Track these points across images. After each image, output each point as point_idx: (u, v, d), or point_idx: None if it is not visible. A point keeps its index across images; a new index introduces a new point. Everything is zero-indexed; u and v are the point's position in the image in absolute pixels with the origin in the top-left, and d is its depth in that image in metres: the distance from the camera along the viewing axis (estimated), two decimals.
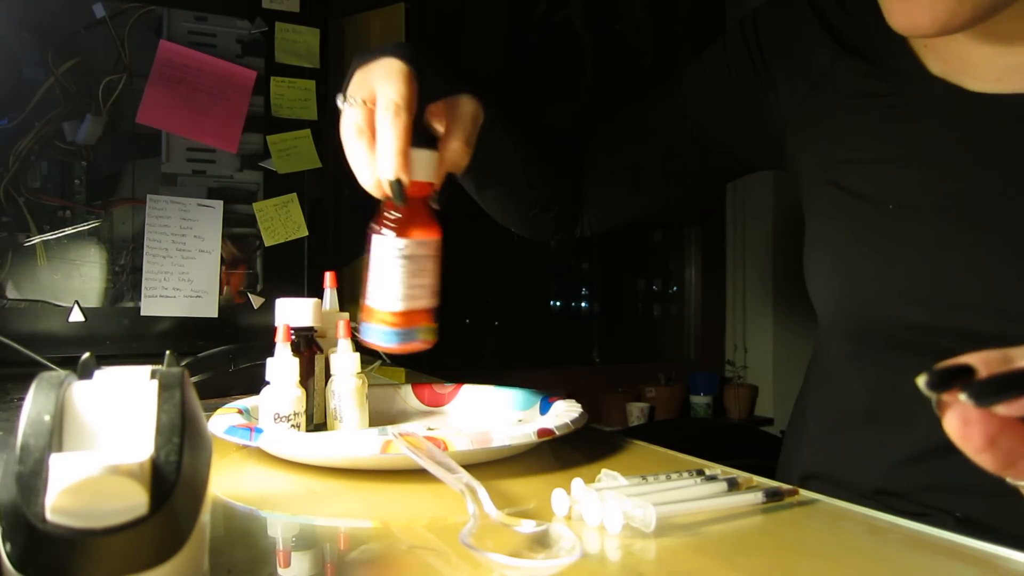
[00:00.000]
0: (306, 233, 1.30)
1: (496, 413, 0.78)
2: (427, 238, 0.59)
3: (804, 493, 0.53)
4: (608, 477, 0.52)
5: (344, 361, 0.69)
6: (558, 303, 2.92)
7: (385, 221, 0.58)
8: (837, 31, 0.74)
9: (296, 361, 0.66)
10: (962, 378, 0.38)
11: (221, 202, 1.23)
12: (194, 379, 0.71)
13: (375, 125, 0.57)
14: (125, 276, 1.19)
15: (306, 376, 0.68)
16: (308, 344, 0.69)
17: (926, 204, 0.65)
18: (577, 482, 0.50)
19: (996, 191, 0.63)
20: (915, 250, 0.65)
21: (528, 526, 0.44)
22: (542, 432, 0.60)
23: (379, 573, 0.41)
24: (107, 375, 0.38)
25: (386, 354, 0.68)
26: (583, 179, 0.85)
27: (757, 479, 0.55)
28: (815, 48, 0.74)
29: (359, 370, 0.69)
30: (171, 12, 1.21)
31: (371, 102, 0.58)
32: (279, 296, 0.70)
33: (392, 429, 0.58)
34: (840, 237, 0.70)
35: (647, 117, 0.84)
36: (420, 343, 0.60)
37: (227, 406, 0.69)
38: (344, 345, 0.69)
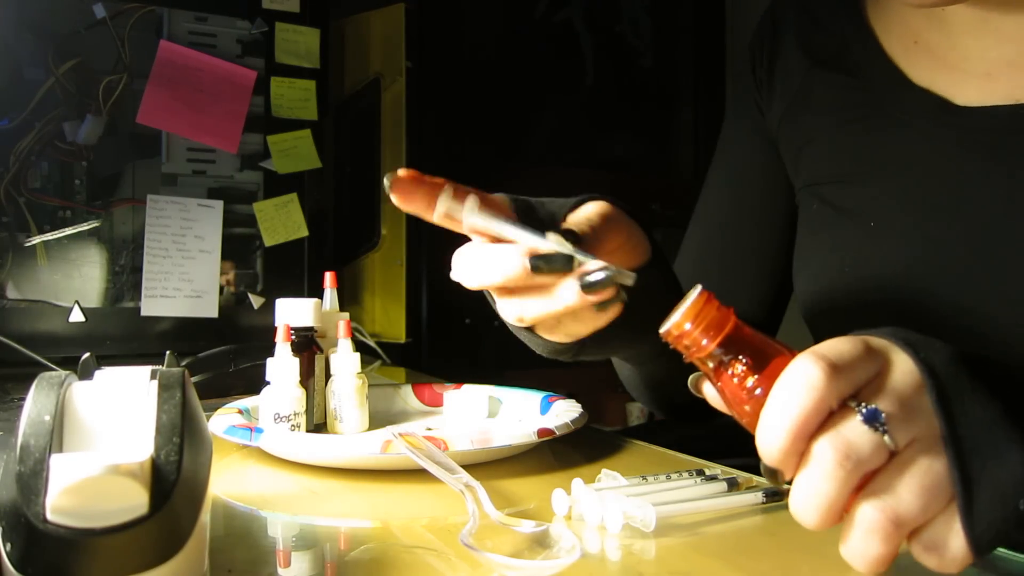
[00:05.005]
0: (306, 233, 1.30)
1: (496, 413, 0.78)
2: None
3: None
4: (608, 477, 0.52)
5: (344, 361, 0.69)
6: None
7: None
8: (809, 43, 0.71)
9: (296, 361, 0.66)
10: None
11: (221, 202, 1.23)
12: (194, 379, 0.71)
13: None
14: (125, 276, 1.19)
15: (306, 376, 0.68)
16: (308, 344, 0.69)
17: (908, 224, 0.62)
18: (577, 482, 0.50)
19: (978, 210, 0.59)
20: (893, 271, 0.62)
21: (528, 526, 0.44)
22: (542, 432, 0.60)
23: (379, 573, 0.41)
24: (107, 375, 0.38)
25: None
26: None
27: (757, 479, 0.55)
28: (792, 64, 0.72)
29: (359, 370, 0.69)
30: (171, 12, 1.21)
31: None
32: (279, 296, 0.70)
33: (392, 429, 0.58)
34: (822, 253, 0.68)
35: (715, 217, 0.80)
36: None
37: (227, 406, 0.69)
38: (344, 345, 0.69)
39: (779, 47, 0.74)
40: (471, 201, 0.43)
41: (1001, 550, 0.43)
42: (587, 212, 0.48)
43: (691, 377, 0.44)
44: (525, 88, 1.77)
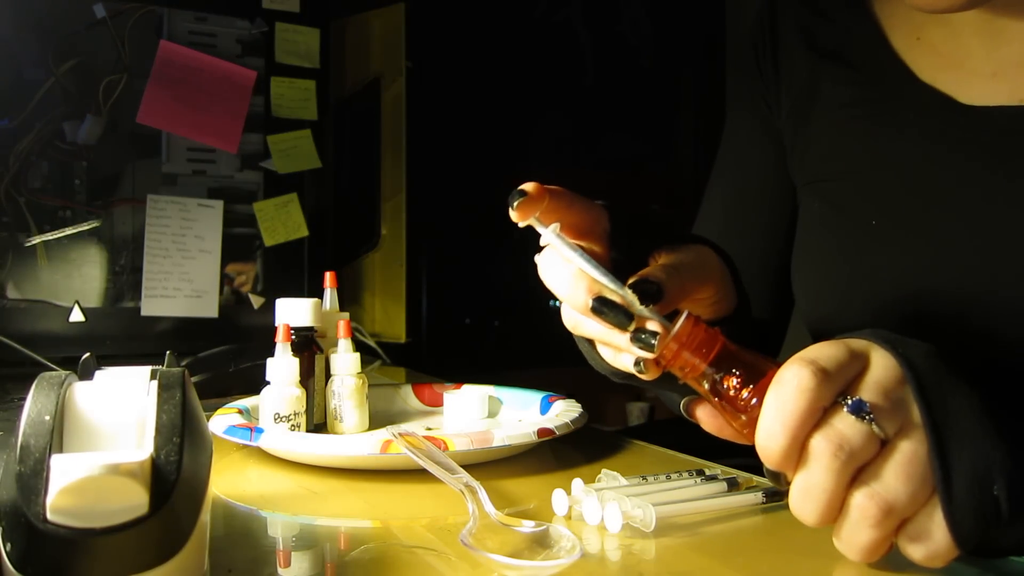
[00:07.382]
0: (306, 233, 1.30)
1: (496, 413, 0.78)
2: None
3: None
4: (608, 477, 0.52)
5: (344, 361, 0.69)
6: (558, 303, 2.91)
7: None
8: (814, 37, 0.69)
9: (296, 361, 0.66)
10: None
11: (221, 202, 1.23)
12: (194, 379, 0.71)
13: None
14: (125, 276, 1.19)
15: (306, 376, 0.68)
16: (308, 344, 0.69)
17: (909, 222, 0.61)
18: (577, 482, 0.50)
19: (981, 210, 0.57)
20: (894, 269, 0.61)
21: (528, 526, 0.44)
22: (542, 432, 0.60)
23: (379, 573, 0.41)
24: (107, 375, 0.38)
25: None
26: None
27: (757, 479, 0.55)
28: (796, 57, 0.71)
29: (359, 370, 0.69)
30: (171, 12, 1.21)
31: None
32: (279, 296, 0.70)
33: (392, 429, 0.58)
34: (823, 252, 0.67)
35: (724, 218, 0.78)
36: None
37: (227, 406, 0.69)
38: (344, 345, 0.69)
39: (780, 37, 0.72)
40: (554, 226, 0.43)
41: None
42: (682, 258, 0.47)
43: (683, 402, 0.44)
44: (525, 88, 1.77)
